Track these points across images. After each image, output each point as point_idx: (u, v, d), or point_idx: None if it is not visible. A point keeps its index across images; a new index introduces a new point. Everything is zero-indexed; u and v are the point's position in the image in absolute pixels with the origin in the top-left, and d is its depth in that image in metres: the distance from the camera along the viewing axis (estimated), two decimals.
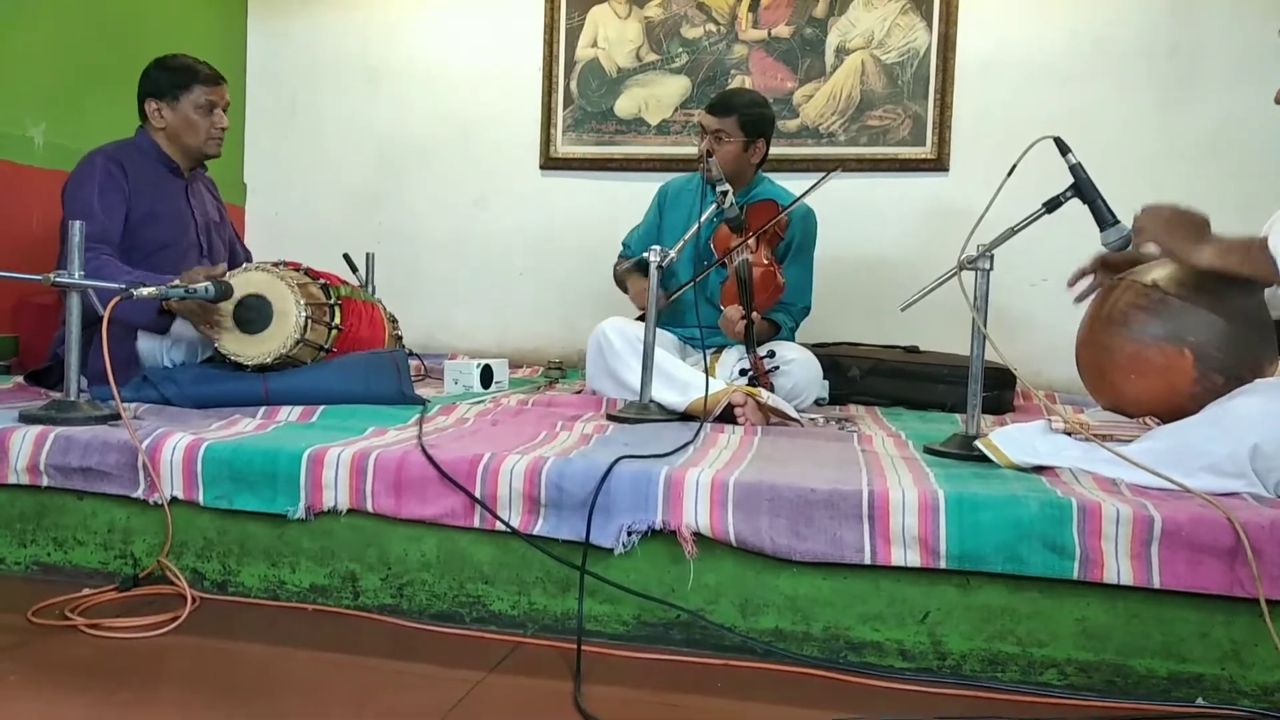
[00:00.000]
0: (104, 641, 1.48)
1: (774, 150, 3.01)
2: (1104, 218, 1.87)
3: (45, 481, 1.78)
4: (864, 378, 3.03)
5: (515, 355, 3.77)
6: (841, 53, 3.70)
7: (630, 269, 2.95)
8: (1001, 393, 2.89)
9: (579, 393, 2.79)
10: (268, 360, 2.23)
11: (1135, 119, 3.48)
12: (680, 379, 2.36)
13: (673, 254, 2.31)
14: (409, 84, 4.08)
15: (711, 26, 3.80)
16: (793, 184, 3.02)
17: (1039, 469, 1.72)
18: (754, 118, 2.78)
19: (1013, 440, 1.79)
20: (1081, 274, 2.03)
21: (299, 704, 1.31)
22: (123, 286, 1.94)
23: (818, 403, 2.79)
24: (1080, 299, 2.01)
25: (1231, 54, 3.41)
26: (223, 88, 2.55)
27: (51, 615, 1.56)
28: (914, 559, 1.47)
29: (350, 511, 1.68)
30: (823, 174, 2.59)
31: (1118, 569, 1.41)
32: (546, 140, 3.95)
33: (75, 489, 1.78)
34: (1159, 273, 1.85)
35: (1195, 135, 3.43)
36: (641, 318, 2.60)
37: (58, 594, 1.65)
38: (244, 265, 2.34)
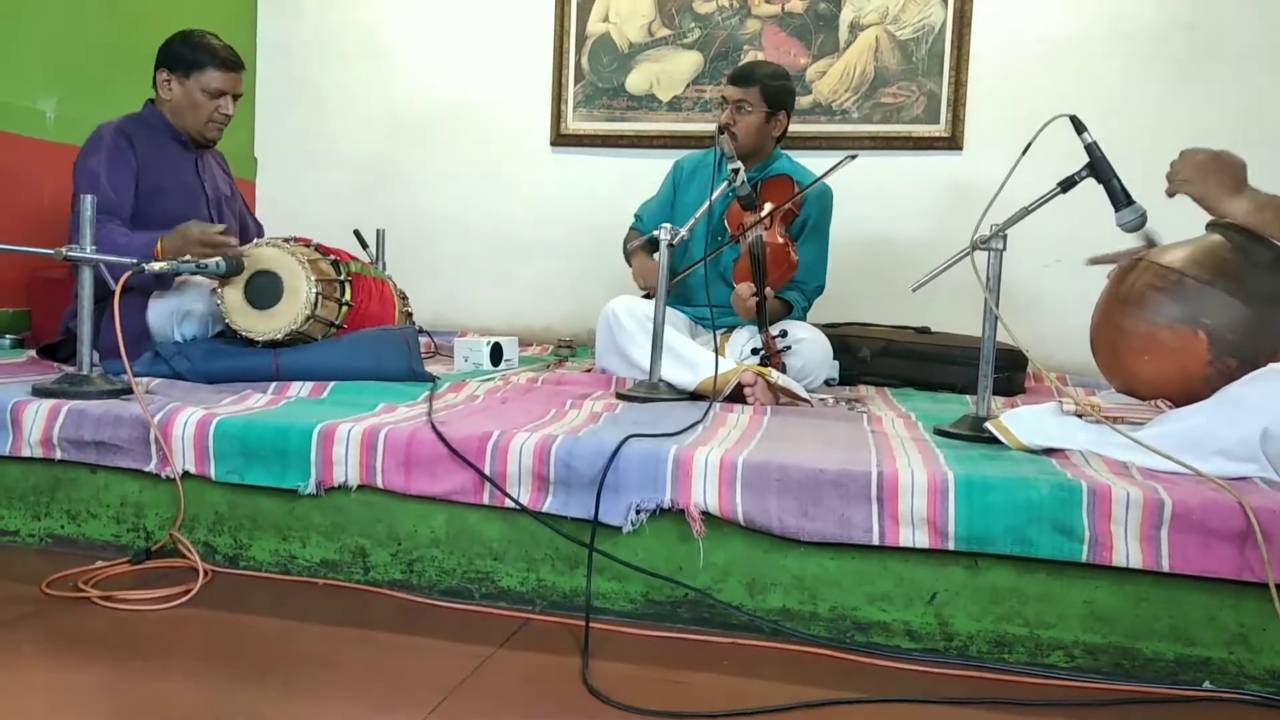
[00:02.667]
0: (117, 613, 1.49)
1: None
2: (1119, 198, 1.85)
3: (59, 455, 1.80)
4: (874, 358, 3.02)
5: (525, 333, 3.77)
6: (855, 28, 3.66)
7: (639, 247, 2.94)
8: (1013, 374, 2.88)
9: (588, 371, 2.79)
10: (278, 336, 2.23)
11: (1153, 98, 3.44)
12: (690, 358, 2.36)
13: (684, 232, 2.30)
14: (419, 59, 4.06)
15: (724, 1, 3.76)
16: (806, 161, 3.00)
17: (1049, 451, 1.71)
18: (776, 89, 2.78)
19: (1023, 422, 1.78)
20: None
21: (309, 676, 1.32)
22: (134, 261, 1.94)
23: (828, 383, 2.79)
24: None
25: (1251, 33, 3.36)
26: (237, 76, 2.52)
27: (65, 587, 1.58)
28: (922, 540, 1.47)
29: (361, 487, 1.69)
30: (842, 158, 2.55)
31: (1127, 552, 1.41)
32: (557, 116, 3.93)
33: (88, 462, 1.80)
34: (1178, 254, 1.83)
35: (1214, 114, 3.39)
36: (650, 296, 2.60)
37: (71, 566, 1.67)
38: (255, 241, 2.34)
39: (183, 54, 2.48)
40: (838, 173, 2.53)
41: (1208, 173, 1.72)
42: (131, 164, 2.43)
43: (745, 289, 2.59)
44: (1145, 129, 3.39)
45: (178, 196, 2.52)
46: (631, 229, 3.13)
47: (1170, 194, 1.80)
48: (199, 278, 2.25)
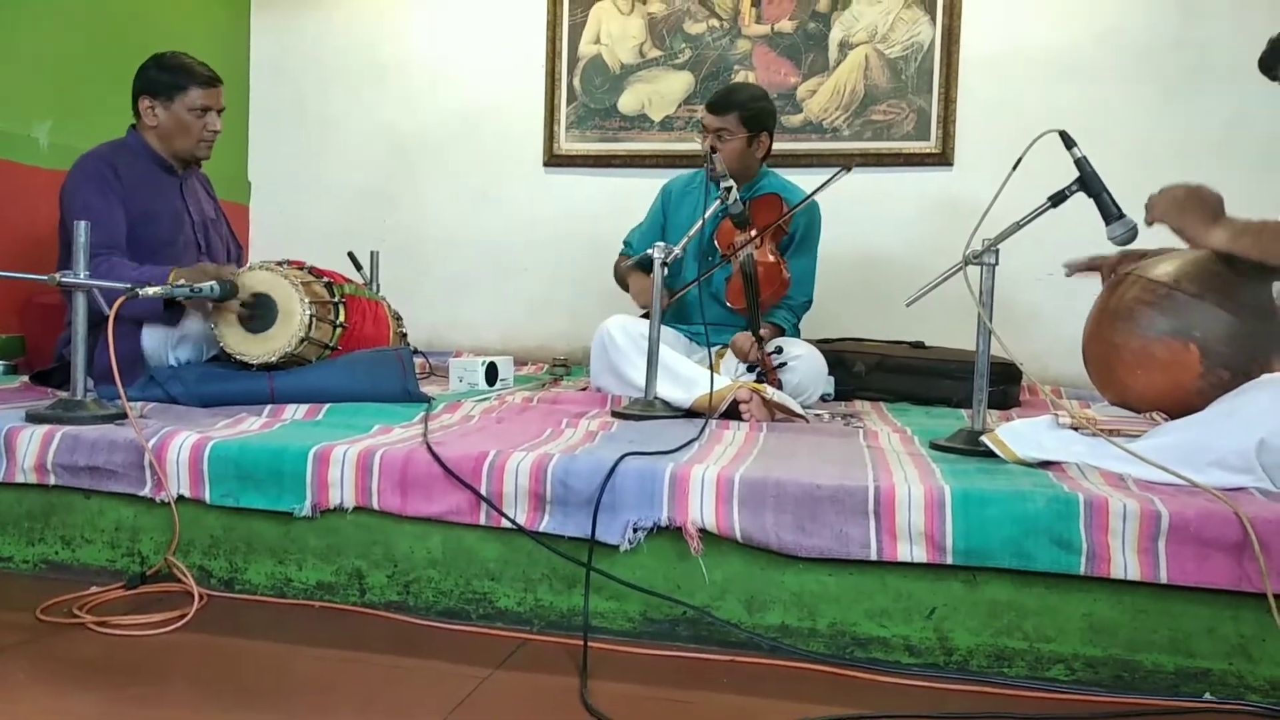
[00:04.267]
0: (112, 639, 1.48)
1: (777, 146, 3.01)
2: (1109, 211, 1.86)
3: (52, 480, 1.79)
4: (870, 373, 3.02)
5: (520, 352, 3.77)
6: (845, 47, 3.69)
7: (632, 266, 2.95)
8: (1007, 388, 2.88)
9: (584, 390, 2.79)
10: (273, 359, 2.23)
11: (1141, 113, 3.47)
12: (685, 375, 2.36)
13: (677, 251, 2.31)
14: (413, 82, 4.09)
15: (714, 22, 3.79)
16: (797, 179, 3.02)
17: (1045, 464, 1.71)
18: (754, 113, 2.78)
19: (1019, 435, 1.78)
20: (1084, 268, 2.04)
21: (306, 701, 1.31)
22: (128, 286, 1.95)
23: (823, 398, 2.79)
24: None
25: (1238, 48, 3.39)
26: (218, 91, 2.54)
27: (59, 613, 1.57)
28: (920, 555, 1.47)
29: (356, 509, 1.68)
30: (834, 171, 2.55)
31: (1125, 564, 1.41)
32: (550, 137, 3.95)
33: (82, 488, 1.79)
34: (1166, 267, 1.84)
35: (1202, 130, 3.42)
36: (646, 315, 2.60)
37: (66, 592, 1.66)
38: (248, 265, 2.34)
39: (161, 79, 2.50)
40: (830, 188, 2.54)
41: (1185, 207, 1.76)
42: (119, 193, 2.43)
43: (745, 339, 2.60)
44: (1134, 144, 3.42)
45: (164, 221, 2.52)
46: (621, 254, 3.13)
47: (1149, 224, 1.84)
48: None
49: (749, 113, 2.77)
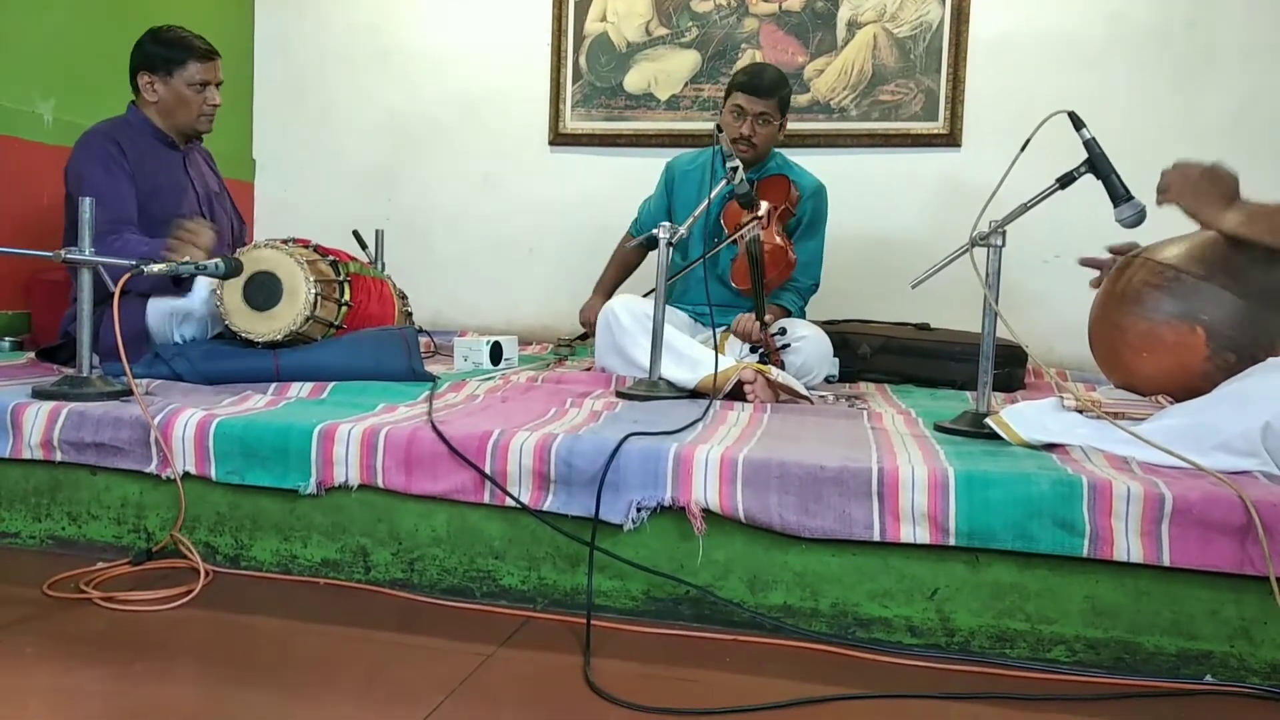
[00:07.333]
0: (118, 614, 1.49)
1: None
2: (1118, 193, 1.85)
3: (59, 456, 1.80)
4: (874, 355, 3.02)
5: (525, 332, 3.77)
6: (853, 26, 3.66)
7: (618, 261, 3.04)
8: (1013, 370, 2.88)
9: (588, 370, 2.79)
10: (278, 337, 2.23)
11: (1151, 96, 3.44)
12: (690, 356, 2.36)
13: (682, 231, 2.30)
14: (418, 61, 4.07)
15: (722, 0, 3.76)
16: (803, 158, 3.01)
17: (1050, 447, 1.71)
18: (787, 98, 2.81)
19: (1023, 418, 1.78)
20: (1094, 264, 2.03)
21: (310, 677, 1.32)
22: (133, 263, 1.94)
23: (828, 380, 2.79)
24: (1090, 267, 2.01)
25: (1248, 32, 3.37)
26: (216, 64, 2.54)
27: (66, 588, 1.58)
28: (923, 536, 1.47)
29: (361, 487, 1.69)
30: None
31: (1128, 547, 1.41)
32: (555, 116, 3.93)
33: (89, 464, 1.80)
34: (1173, 250, 1.83)
35: (1212, 113, 3.39)
36: (651, 294, 2.59)
37: (72, 567, 1.67)
38: (254, 242, 2.34)
39: (160, 53, 2.50)
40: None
41: (1200, 188, 1.73)
42: (126, 169, 2.44)
43: (747, 320, 2.59)
44: (1143, 126, 3.39)
45: (169, 196, 2.52)
46: (628, 232, 3.13)
47: (1160, 204, 1.81)
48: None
49: (785, 99, 2.79)
